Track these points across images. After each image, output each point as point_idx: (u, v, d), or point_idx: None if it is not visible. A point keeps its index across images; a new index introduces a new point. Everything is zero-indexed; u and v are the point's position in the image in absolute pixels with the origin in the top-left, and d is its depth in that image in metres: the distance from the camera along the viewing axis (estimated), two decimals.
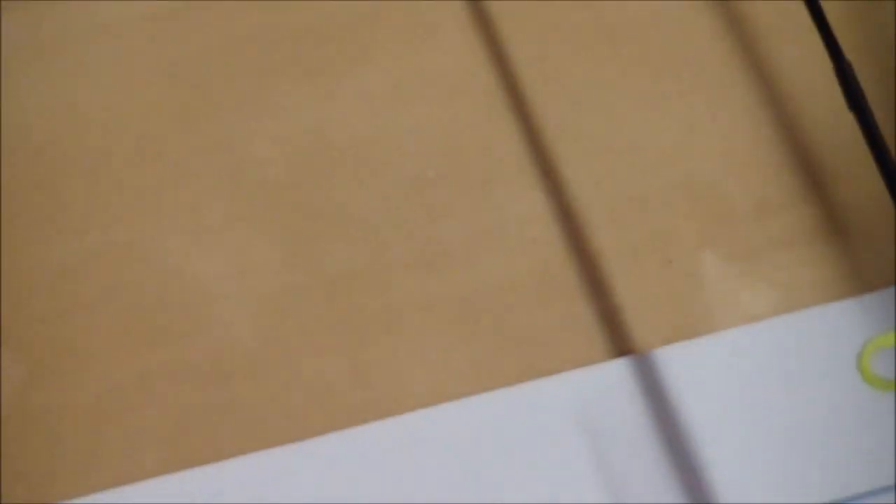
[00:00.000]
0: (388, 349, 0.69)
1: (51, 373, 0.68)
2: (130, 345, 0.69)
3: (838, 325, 0.66)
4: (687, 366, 0.67)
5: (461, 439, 0.67)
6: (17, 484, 0.66)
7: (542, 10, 0.74)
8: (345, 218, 0.71)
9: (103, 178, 0.72)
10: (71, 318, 0.69)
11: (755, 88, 0.72)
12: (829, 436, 0.65)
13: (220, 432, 0.67)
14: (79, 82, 0.73)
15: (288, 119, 0.73)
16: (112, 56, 0.74)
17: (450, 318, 0.69)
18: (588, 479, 0.65)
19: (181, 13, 0.74)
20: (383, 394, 0.68)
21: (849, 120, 0.56)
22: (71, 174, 0.72)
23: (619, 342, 0.68)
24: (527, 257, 0.70)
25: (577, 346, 0.68)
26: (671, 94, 0.72)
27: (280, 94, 0.73)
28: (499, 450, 0.66)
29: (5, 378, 0.68)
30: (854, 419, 0.65)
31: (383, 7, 0.74)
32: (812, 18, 0.57)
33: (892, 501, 0.63)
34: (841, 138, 0.70)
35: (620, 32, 0.73)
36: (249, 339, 0.69)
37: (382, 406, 0.68)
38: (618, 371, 0.67)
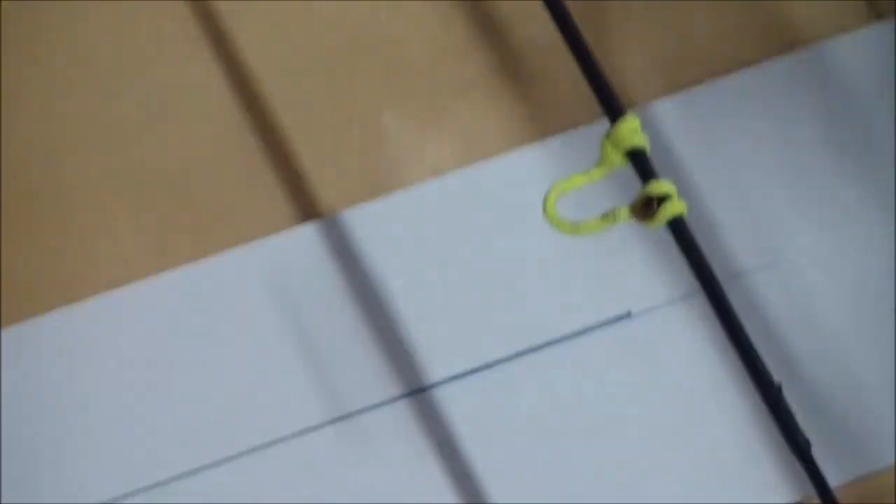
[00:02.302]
0: (69, 233, 0.66)
1: None
2: None
3: (523, 171, 0.67)
4: (376, 224, 0.66)
5: (154, 319, 0.65)
6: None
7: None
8: (15, 100, 0.68)
9: None
10: None
11: None
12: (520, 281, 0.65)
13: None
14: None
15: None
16: None
17: (130, 197, 0.67)
18: (286, 345, 0.64)
19: None
20: (69, 278, 0.66)
21: None
22: None
23: (306, 207, 0.66)
24: (206, 128, 0.67)
25: (263, 214, 0.66)
26: None
27: None
28: (194, 325, 0.65)
29: None
30: (543, 262, 0.65)
31: None
32: None
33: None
34: None
35: None
36: None
37: (69, 291, 0.65)
38: (307, 236, 0.66)
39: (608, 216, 0.49)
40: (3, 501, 0.62)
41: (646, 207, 0.49)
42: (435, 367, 0.64)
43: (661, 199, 0.48)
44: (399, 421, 0.63)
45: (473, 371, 0.64)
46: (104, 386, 0.64)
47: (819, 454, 0.48)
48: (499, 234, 0.66)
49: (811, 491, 0.49)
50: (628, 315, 0.64)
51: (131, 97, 0.68)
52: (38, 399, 0.64)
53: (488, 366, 0.64)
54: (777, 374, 0.48)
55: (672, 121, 0.67)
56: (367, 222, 0.66)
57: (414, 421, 0.63)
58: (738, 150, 0.67)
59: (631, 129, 0.49)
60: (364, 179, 0.67)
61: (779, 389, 0.48)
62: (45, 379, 0.64)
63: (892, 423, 0.62)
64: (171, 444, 0.63)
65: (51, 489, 0.62)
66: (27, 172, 0.67)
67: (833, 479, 0.52)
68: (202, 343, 0.65)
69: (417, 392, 0.64)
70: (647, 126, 0.49)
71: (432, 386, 0.64)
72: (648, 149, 0.49)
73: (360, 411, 0.63)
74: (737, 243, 0.65)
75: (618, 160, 0.50)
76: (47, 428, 0.63)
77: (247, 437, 0.63)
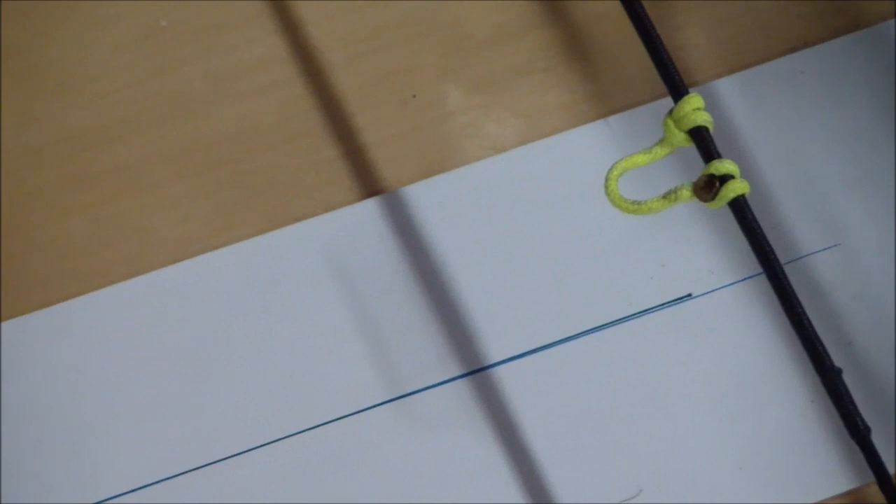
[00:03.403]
0: (130, 206, 0.66)
1: None
2: None
3: (586, 148, 0.66)
4: (436, 201, 0.66)
5: (213, 296, 0.65)
6: None
7: None
8: (72, 76, 0.68)
9: None
10: None
11: None
12: (581, 260, 0.65)
13: None
14: None
15: None
16: None
17: (192, 170, 0.67)
18: (344, 322, 0.64)
19: None
20: (130, 252, 0.66)
21: None
22: None
23: (367, 182, 0.66)
24: (267, 102, 0.67)
25: (324, 189, 0.66)
26: None
27: None
28: (253, 302, 0.65)
29: None
30: (603, 242, 0.65)
31: None
32: None
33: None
34: None
35: None
36: None
37: (130, 265, 0.66)
38: (367, 212, 0.66)
39: (670, 195, 0.49)
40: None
41: (708, 187, 0.49)
42: (494, 347, 0.64)
43: (724, 179, 0.48)
44: (457, 401, 0.63)
45: (532, 352, 0.64)
46: (160, 362, 0.64)
47: (879, 440, 0.48)
48: (559, 213, 0.65)
49: (870, 477, 0.49)
50: (689, 296, 0.64)
51: (192, 71, 0.68)
52: (93, 372, 0.64)
53: (547, 346, 0.64)
54: (837, 358, 0.47)
55: (735, 99, 0.66)
56: (427, 199, 0.66)
57: (472, 401, 0.63)
58: (801, 131, 0.66)
59: (694, 108, 0.49)
60: (425, 156, 0.67)
61: (839, 373, 0.47)
62: (103, 354, 0.64)
63: None
64: (225, 423, 0.63)
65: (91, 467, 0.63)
66: (84, 149, 0.67)
67: (893, 465, 0.52)
68: (260, 320, 0.65)
69: (476, 372, 0.63)
70: (711, 105, 0.49)
71: (491, 366, 0.64)
72: (712, 128, 0.49)
73: (417, 391, 0.63)
74: (799, 225, 0.65)
75: (680, 139, 0.50)
76: (99, 400, 0.64)
77: (303, 415, 0.63)
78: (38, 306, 0.65)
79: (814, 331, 0.47)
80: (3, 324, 0.64)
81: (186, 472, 0.63)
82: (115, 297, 0.65)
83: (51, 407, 0.63)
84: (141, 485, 0.62)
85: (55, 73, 0.68)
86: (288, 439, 0.63)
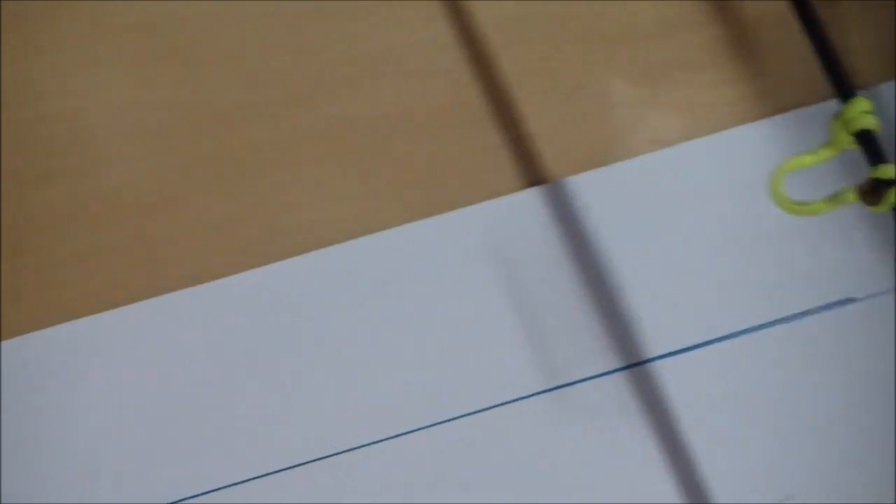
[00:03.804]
0: (287, 186, 0.67)
1: None
2: (24, 184, 0.67)
3: (750, 147, 0.65)
4: (598, 193, 0.65)
5: (366, 281, 0.66)
6: None
7: None
8: (229, 54, 0.69)
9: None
10: None
11: None
12: (742, 259, 0.64)
13: (115, 275, 0.66)
14: None
15: None
16: None
17: (353, 151, 0.67)
18: (502, 311, 0.65)
19: None
20: (284, 231, 0.67)
21: None
22: None
23: (530, 172, 0.66)
24: (433, 86, 0.68)
25: (486, 176, 0.66)
26: None
27: None
28: (409, 287, 0.65)
29: None
30: (765, 241, 0.64)
31: None
32: None
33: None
34: None
35: None
36: (142, 179, 0.67)
37: (284, 244, 0.66)
38: (529, 200, 0.66)
39: (834, 198, 0.49)
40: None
41: (873, 191, 0.48)
42: (653, 341, 0.64)
43: (890, 183, 0.47)
44: (614, 394, 0.63)
45: (691, 347, 0.63)
46: (304, 345, 0.65)
47: None
48: (721, 210, 0.65)
49: None
50: (851, 300, 0.63)
51: (352, 50, 0.68)
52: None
53: (706, 343, 0.63)
54: None
55: None
56: (590, 190, 0.65)
57: (630, 395, 0.63)
58: None
59: (861, 111, 0.48)
60: (587, 147, 0.66)
61: None
62: (245, 333, 0.66)
63: None
64: (378, 407, 0.64)
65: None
66: (231, 129, 0.68)
67: None
68: (415, 305, 0.65)
69: (635, 365, 0.63)
70: (878, 108, 0.48)
71: (650, 360, 0.63)
72: (878, 131, 0.48)
73: (574, 382, 0.63)
74: None
75: (846, 141, 0.49)
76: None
77: (457, 402, 0.64)
78: (191, 283, 0.66)
79: None
80: (153, 299, 0.66)
81: (330, 455, 0.63)
82: (256, 280, 0.66)
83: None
84: (280, 468, 0.64)
85: (209, 49, 0.70)
86: (439, 426, 0.63)
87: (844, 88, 0.48)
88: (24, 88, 0.68)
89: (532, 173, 0.66)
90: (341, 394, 0.64)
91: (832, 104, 0.49)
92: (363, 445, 0.63)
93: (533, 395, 0.63)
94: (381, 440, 0.63)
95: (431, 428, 0.63)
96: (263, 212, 0.67)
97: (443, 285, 0.65)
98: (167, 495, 0.63)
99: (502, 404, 0.63)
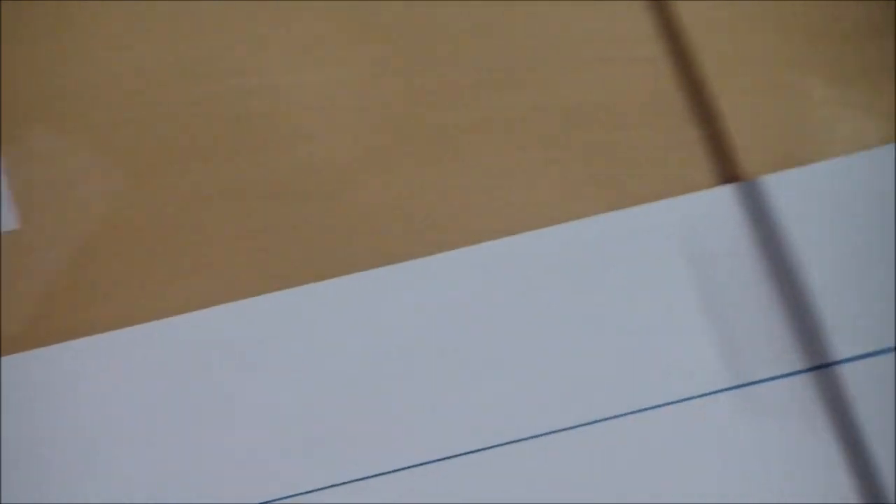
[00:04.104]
0: (481, 169, 0.67)
1: (134, 183, 0.67)
2: (217, 157, 0.67)
3: None
4: (793, 193, 0.65)
5: (561, 264, 0.66)
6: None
7: None
8: (426, 36, 0.69)
9: None
10: (154, 128, 0.67)
11: None
12: None
13: (307, 251, 0.66)
14: None
15: None
16: None
17: (548, 138, 0.67)
18: (690, 305, 0.64)
19: None
20: (474, 217, 0.67)
21: None
22: None
23: (724, 168, 0.66)
24: (631, 77, 0.68)
25: (682, 170, 0.66)
26: None
27: None
28: (599, 275, 0.65)
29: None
30: None
31: None
32: None
33: None
34: None
35: None
36: (336, 157, 0.67)
37: (473, 229, 0.66)
38: (722, 198, 0.65)
39: None
40: None
41: None
42: (841, 343, 0.63)
43: None
44: (799, 395, 0.63)
45: (880, 352, 0.63)
46: (519, 322, 0.65)
47: None
48: None
49: None
50: None
51: (553, 37, 0.68)
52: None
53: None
54: None
55: None
56: (784, 190, 0.65)
57: (814, 397, 0.63)
58: None
59: None
60: (784, 146, 0.66)
61: None
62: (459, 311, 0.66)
63: None
64: (560, 397, 0.64)
65: None
66: (425, 111, 0.68)
67: None
68: (602, 296, 0.65)
69: (821, 367, 0.63)
70: None
71: (837, 363, 0.63)
72: None
73: (759, 381, 0.63)
74: None
75: None
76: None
77: (639, 396, 0.64)
78: (378, 263, 0.66)
79: None
80: (342, 278, 0.66)
81: (515, 441, 0.63)
82: (456, 262, 0.66)
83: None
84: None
85: (406, 31, 0.69)
86: (618, 418, 0.63)
87: None
88: (220, 63, 0.68)
89: (727, 170, 0.66)
90: (523, 383, 0.64)
91: None
92: (546, 433, 0.63)
93: (715, 392, 0.63)
94: (561, 430, 0.63)
95: (611, 420, 0.63)
96: (453, 195, 0.67)
97: (631, 276, 0.65)
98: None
99: (682, 400, 0.63)
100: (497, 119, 0.67)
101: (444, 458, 0.63)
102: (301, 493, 0.62)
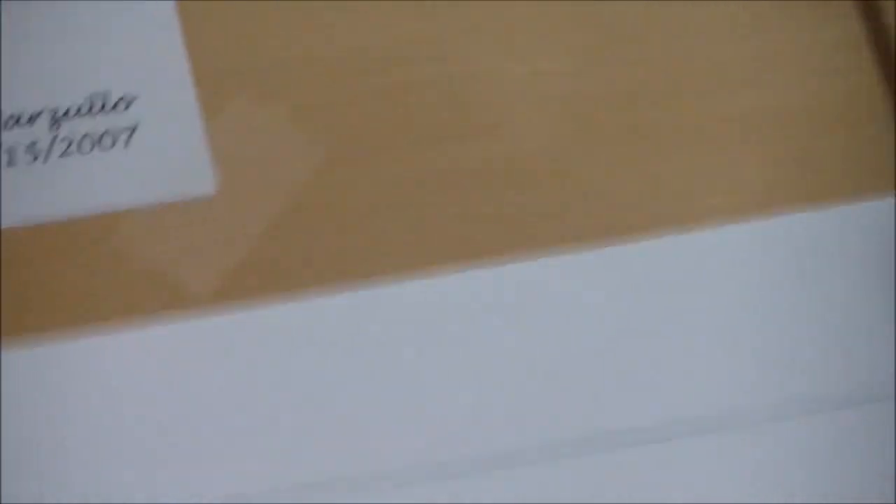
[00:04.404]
0: (680, 164, 0.68)
1: (331, 161, 0.68)
2: (422, 141, 0.68)
3: None
4: None
5: (755, 259, 0.66)
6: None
7: None
8: (636, 33, 0.70)
9: None
10: (353, 109, 0.68)
11: None
12: None
13: (504, 236, 0.67)
14: None
15: None
16: None
17: (751, 137, 0.68)
18: (860, 306, 0.65)
19: None
20: (672, 209, 0.67)
21: None
22: None
23: None
24: (833, 83, 0.69)
25: (870, 172, 0.67)
26: None
27: None
28: (792, 272, 0.66)
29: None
30: None
31: None
32: None
33: None
34: None
35: None
36: (540, 145, 0.68)
37: (670, 221, 0.67)
38: None
39: None
40: None
41: None
42: None
43: None
44: None
45: None
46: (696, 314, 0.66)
47: None
48: None
49: None
50: None
51: (757, 44, 0.70)
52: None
53: None
54: None
55: None
56: None
57: None
58: None
59: None
60: None
61: None
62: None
63: None
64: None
65: None
66: (629, 107, 0.69)
67: None
68: (795, 289, 0.65)
69: None
70: None
71: None
72: None
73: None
74: None
75: None
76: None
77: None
78: (570, 247, 0.67)
79: None
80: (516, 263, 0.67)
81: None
82: (651, 252, 0.67)
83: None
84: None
85: (616, 25, 0.71)
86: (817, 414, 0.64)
87: None
88: (424, 48, 0.70)
89: None
90: (683, 367, 0.64)
91: None
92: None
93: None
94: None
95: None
96: (651, 190, 0.68)
97: (824, 276, 0.66)
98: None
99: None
100: (698, 122, 0.68)
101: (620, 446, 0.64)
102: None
